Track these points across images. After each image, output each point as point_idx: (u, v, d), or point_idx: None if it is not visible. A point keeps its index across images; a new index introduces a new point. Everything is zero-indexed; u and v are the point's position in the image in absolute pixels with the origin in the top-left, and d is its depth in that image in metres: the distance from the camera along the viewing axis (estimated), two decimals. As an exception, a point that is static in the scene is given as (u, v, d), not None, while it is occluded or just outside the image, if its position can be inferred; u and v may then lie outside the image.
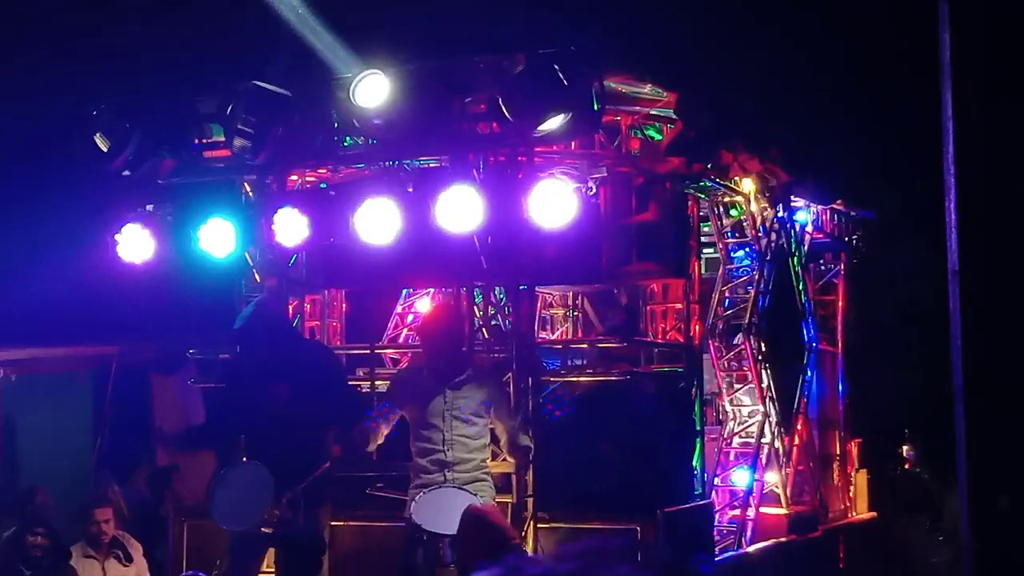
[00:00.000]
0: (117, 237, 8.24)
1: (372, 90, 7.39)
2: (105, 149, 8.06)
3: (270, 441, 7.22)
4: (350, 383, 7.88)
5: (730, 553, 8.53)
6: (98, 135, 8.07)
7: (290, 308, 8.81)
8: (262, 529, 7.00)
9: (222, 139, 7.86)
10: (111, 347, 11.11)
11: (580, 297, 9.96)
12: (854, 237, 10.74)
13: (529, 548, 7.12)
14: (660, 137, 8.41)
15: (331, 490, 7.34)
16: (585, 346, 8.88)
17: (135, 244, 8.26)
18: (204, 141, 8.08)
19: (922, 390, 10.47)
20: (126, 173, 8.15)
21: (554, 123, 7.08)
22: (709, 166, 8.43)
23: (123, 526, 9.31)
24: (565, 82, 7.04)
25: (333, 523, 7.59)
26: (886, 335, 11.07)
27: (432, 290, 9.95)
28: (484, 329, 8.06)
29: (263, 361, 7.41)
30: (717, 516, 8.65)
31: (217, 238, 8.03)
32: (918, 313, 10.64)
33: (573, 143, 7.70)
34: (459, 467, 7.19)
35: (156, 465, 10.26)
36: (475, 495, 6.87)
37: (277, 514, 6.92)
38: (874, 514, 10.45)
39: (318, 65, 7.74)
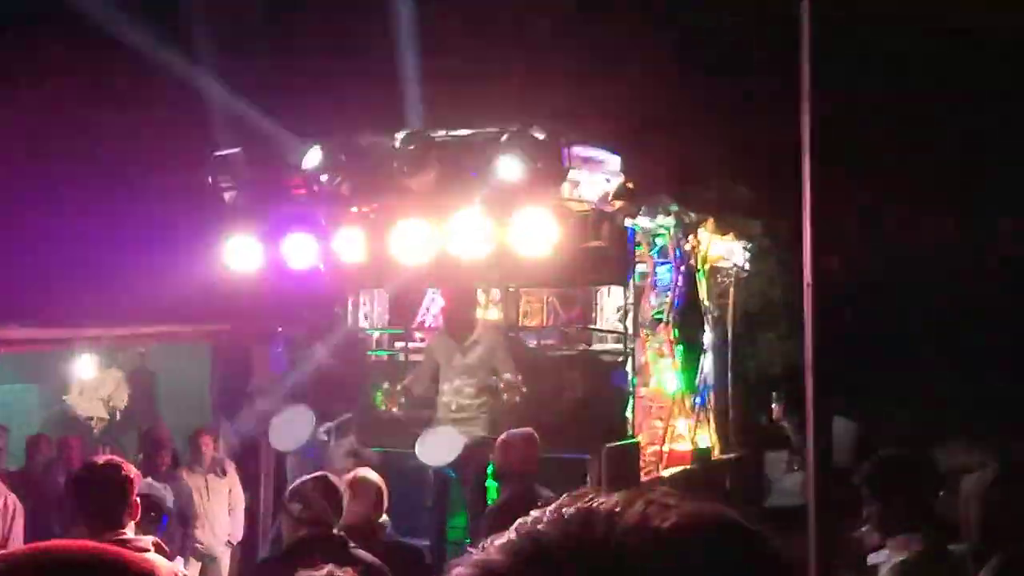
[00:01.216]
0: (226, 246, 8.23)
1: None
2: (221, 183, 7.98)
3: (316, 393, 7.24)
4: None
5: (650, 476, 8.57)
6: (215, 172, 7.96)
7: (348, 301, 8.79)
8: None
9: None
10: (224, 325, 11.10)
11: (550, 296, 9.99)
12: (742, 257, 10.79)
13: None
14: (609, 187, 8.44)
15: (354, 426, 7.32)
16: (555, 330, 8.88)
17: (242, 252, 8.25)
18: (293, 181, 8.06)
19: (786, 367, 10.49)
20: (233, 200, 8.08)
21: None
22: (642, 208, 8.47)
23: (227, 451, 9.30)
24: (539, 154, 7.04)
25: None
26: (760, 326, 11.11)
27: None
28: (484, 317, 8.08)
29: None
30: (642, 451, 8.69)
31: (297, 250, 8.04)
32: (784, 312, 10.66)
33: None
34: (460, 412, 7.18)
35: (255, 408, 10.23)
36: (461, 436, 6.82)
37: (318, 435, 6.95)
38: (750, 451, 10.49)
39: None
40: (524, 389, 7.22)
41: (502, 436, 6.28)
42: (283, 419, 7.15)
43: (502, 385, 7.15)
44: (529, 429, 6.31)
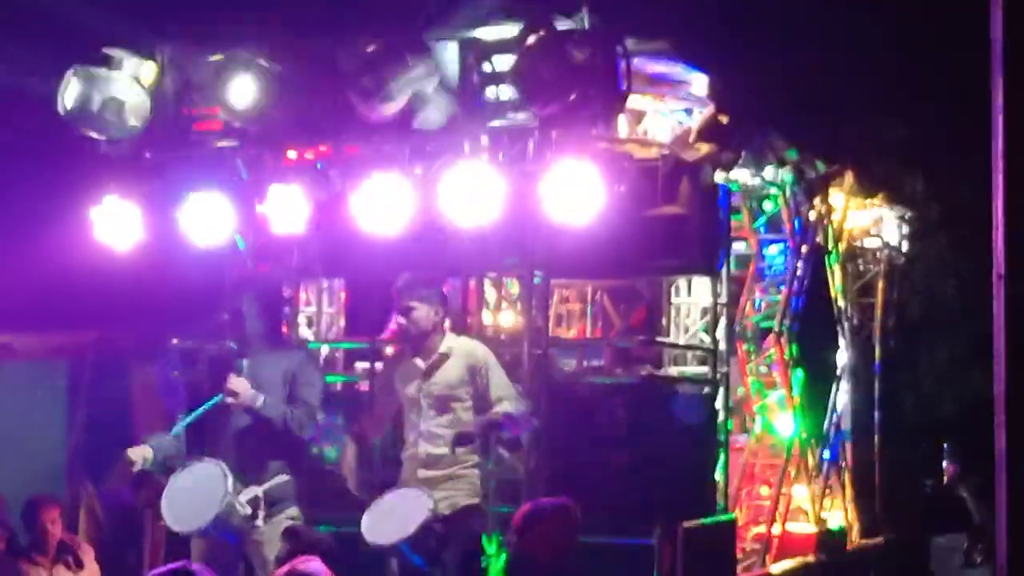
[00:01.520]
0: (95, 216, 8.35)
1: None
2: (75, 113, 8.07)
3: (235, 441, 7.37)
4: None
5: (753, 573, 8.67)
6: (69, 95, 8.06)
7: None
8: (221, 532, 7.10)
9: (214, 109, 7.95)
10: (88, 334, 11.23)
11: (599, 292, 10.06)
12: (898, 234, 10.86)
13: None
14: (690, 122, 8.52)
15: (295, 492, 7.43)
16: (603, 344, 8.99)
17: (115, 224, 8.35)
18: (193, 112, 8.18)
19: (963, 400, 10.57)
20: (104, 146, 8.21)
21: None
22: (743, 155, 8.54)
23: (88, 530, 9.43)
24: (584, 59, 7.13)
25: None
26: (926, 340, 11.17)
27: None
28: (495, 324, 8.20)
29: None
30: (740, 532, 8.77)
31: (204, 219, 8.15)
32: (960, 318, 10.74)
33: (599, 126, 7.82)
34: (434, 463, 7.30)
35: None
36: (428, 494, 6.93)
37: (236, 510, 7.04)
38: (908, 534, 10.56)
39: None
40: (538, 427, 7.35)
41: (523, 507, 6.39)
42: (181, 482, 7.23)
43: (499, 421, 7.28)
44: (564, 500, 6.42)
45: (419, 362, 7.40)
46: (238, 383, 7.29)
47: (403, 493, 7.08)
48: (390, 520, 6.88)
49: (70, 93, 7.86)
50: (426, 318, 7.39)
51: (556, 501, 6.44)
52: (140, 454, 7.36)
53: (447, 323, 7.53)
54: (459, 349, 7.42)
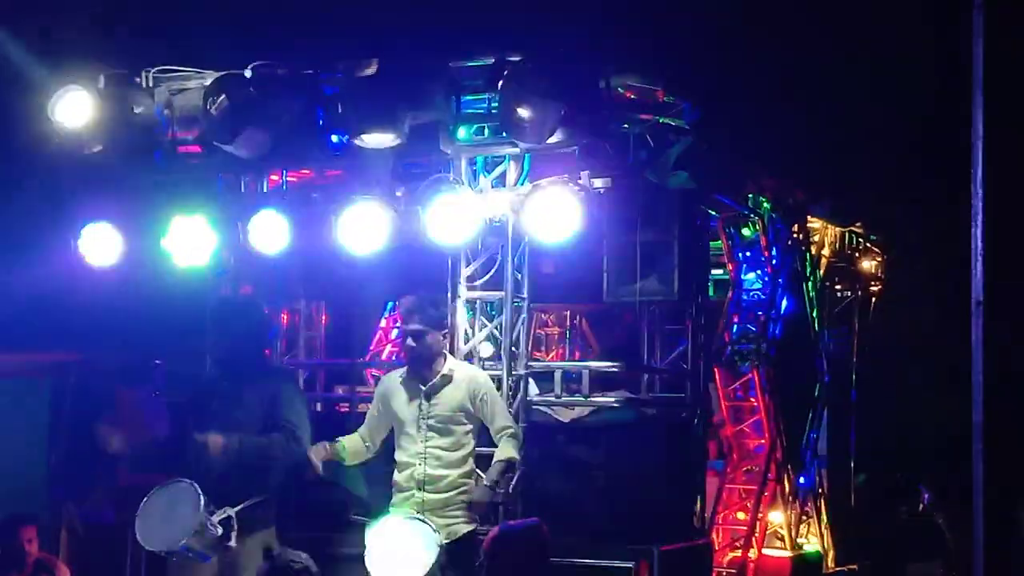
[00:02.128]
0: (80, 237, 8.28)
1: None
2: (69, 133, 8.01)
3: (216, 461, 7.28)
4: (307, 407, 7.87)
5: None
6: (61, 114, 8.00)
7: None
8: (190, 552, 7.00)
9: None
10: (71, 354, 11.13)
11: (578, 316, 10.00)
12: (872, 263, 10.82)
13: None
14: (671, 148, 8.47)
15: (272, 514, 7.34)
16: (582, 369, 8.89)
17: (100, 245, 8.29)
18: (177, 135, 8.10)
19: (939, 428, 10.52)
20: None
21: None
22: (722, 182, 8.49)
23: (66, 550, 9.31)
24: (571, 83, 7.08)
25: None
26: (903, 367, 11.14)
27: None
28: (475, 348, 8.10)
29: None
30: (716, 556, 8.68)
31: (189, 241, 8.08)
32: (937, 345, 10.70)
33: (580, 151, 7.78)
34: (432, 485, 7.20)
35: (117, 484, 10.26)
36: (432, 527, 6.83)
37: (208, 530, 6.94)
38: (883, 561, 10.50)
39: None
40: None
41: (492, 531, 6.29)
42: (157, 502, 7.16)
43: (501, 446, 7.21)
44: (533, 520, 6.33)
45: (420, 384, 7.29)
46: (211, 440, 7.20)
47: (411, 528, 6.93)
48: (396, 554, 6.77)
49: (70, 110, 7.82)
50: (436, 342, 7.28)
51: (525, 522, 6.35)
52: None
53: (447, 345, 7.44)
54: (461, 373, 7.33)
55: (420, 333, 7.26)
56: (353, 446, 7.45)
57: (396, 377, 7.47)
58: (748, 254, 9.35)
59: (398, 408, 7.35)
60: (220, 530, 6.99)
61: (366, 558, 6.85)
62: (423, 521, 6.92)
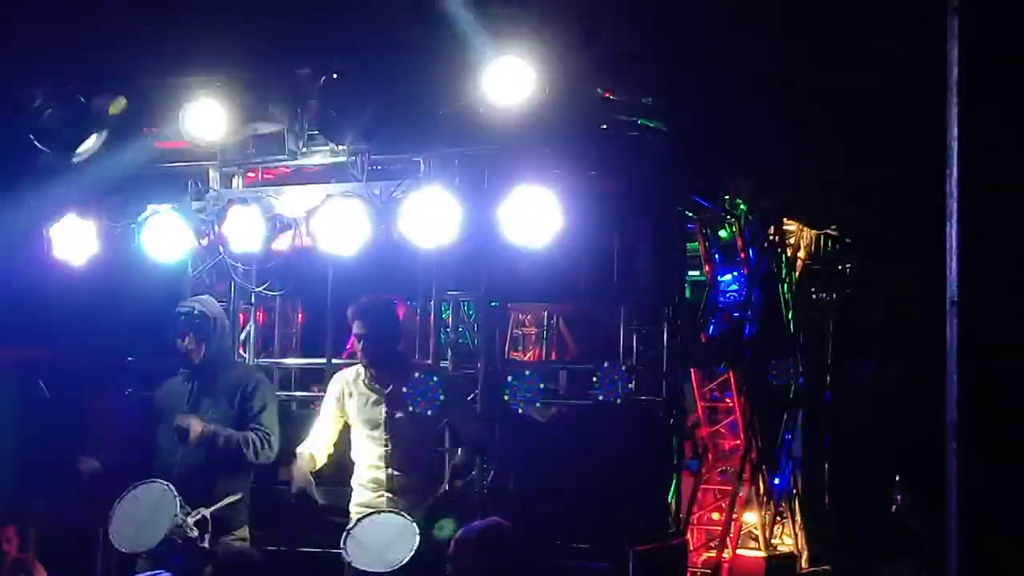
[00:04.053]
0: (52, 233, 8.27)
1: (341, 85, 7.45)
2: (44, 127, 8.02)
3: (187, 461, 7.28)
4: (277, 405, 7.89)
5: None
6: (36, 109, 8.02)
7: (241, 317, 8.84)
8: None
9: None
10: (41, 351, 11.08)
11: (555, 316, 10.04)
12: (846, 265, 10.89)
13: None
14: (648, 150, 8.52)
15: (245, 514, 7.41)
16: (559, 368, 8.94)
17: (72, 241, 8.28)
18: (154, 130, 8.12)
19: (912, 428, 10.58)
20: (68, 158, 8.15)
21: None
22: (699, 183, 8.56)
23: (44, 549, 9.28)
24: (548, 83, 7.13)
25: (268, 548, 7.67)
26: (877, 368, 11.21)
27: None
28: (451, 347, 8.14)
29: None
30: (691, 556, 8.74)
31: (163, 237, 8.07)
32: (911, 346, 10.77)
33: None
34: (399, 484, 7.24)
35: (86, 482, 10.23)
36: (415, 522, 6.85)
37: (180, 530, 6.93)
38: (857, 562, 10.56)
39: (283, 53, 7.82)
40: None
41: (457, 534, 6.34)
42: (130, 502, 7.14)
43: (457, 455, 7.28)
44: (494, 520, 6.40)
45: (379, 387, 7.32)
46: (192, 423, 7.22)
47: (386, 520, 6.96)
48: (375, 548, 6.78)
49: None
50: (384, 342, 7.32)
51: (485, 523, 6.39)
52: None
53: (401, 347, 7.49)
54: (419, 368, 7.37)
55: (364, 334, 7.29)
56: (321, 456, 7.48)
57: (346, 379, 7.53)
58: (724, 255, 9.42)
59: (357, 411, 7.40)
60: (196, 531, 6.99)
61: (346, 547, 6.86)
62: (398, 513, 6.95)
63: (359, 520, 6.97)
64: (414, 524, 6.77)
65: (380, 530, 6.90)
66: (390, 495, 7.21)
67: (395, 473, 7.24)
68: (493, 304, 8.14)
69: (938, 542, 9.12)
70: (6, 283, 10.14)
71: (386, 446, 7.26)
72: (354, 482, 7.37)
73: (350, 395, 7.45)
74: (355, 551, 6.83)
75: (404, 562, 6.68)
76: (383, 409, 7.31)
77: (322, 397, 8.63)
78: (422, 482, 7.28)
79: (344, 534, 6.89)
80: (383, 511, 7.05)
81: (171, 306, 8.13)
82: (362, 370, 7.45)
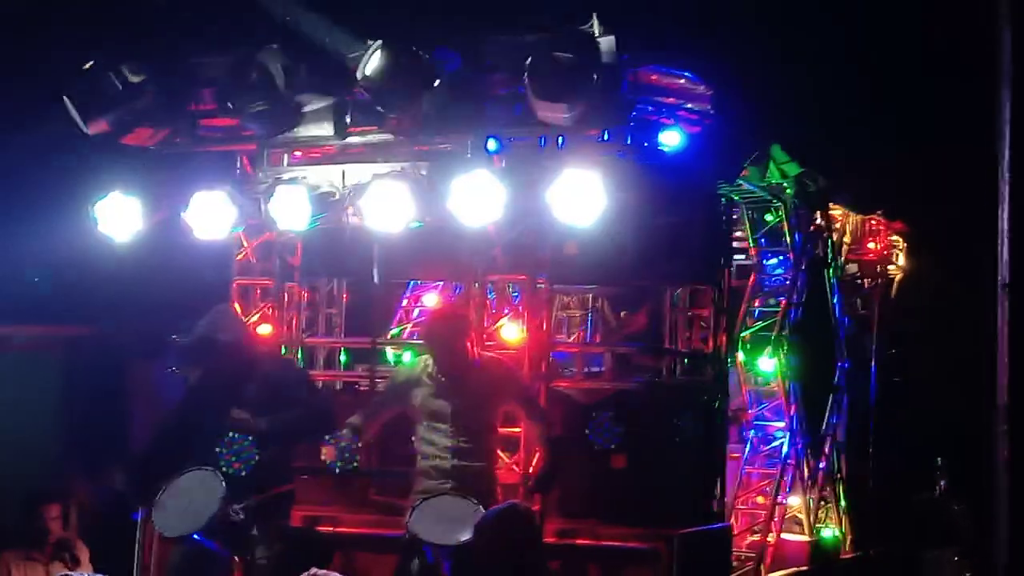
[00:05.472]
0: (98, 210, 8.32)
1: (383, 65, 7.48)
2: (90, 107, 8.08)
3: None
4: (317, 396, 7.93)
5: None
6: (84, 91, 8.08)
7: (285, 297, 8.92)
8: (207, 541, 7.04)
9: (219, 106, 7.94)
10: (86, 328, 11.21)
11: (600, 299, 10.09)
12: (893, 249, 10.90)
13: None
14: (695, 133, 8.56)
15: (291, 505, 7.48)
16: (604, 351, 8.99)
17: (118, 218, 8.30)
18: (200, 108, 8.19)
19: (958, 413, 10.61)
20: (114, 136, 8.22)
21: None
22: (746, 167, 8.58)
23: (85, 527, 9.40)
24: (594, 64, 7.16)
25: (323, 529, 7.79)
26: (923, 352, 11.22)
27: (440, 284, 10.11)
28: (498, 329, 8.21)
29: (223, 385, 7.50)
30: (735, 540, 8.75)
31: (208, 215, 8.07)
32: (959, 330, 10.80)
33: (605, 134, 7.85)
34: (461, 475, 7.33)
35: (131, 460, 10.33)
36: (478, 505, 6.98)
37: (228, 516, 6.95)
38: (899, 545, 10.59)
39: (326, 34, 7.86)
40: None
41: (478, 519, 6.46)
42: (176, 488, 7.17)
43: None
44: (510, 503, 6.51)
45: (445, 380, 7.42)
46: (243, 418, 7.29)
47: (454, 501, 7.08)
48: (442, 523, 6.90)
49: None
50: (451, 352, 7.41)
51: (501, 506, 6.52)
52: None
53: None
54: (485, 363, 7.46)
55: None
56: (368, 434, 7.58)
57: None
58: (770, 240, 9.45)
59: (420, 399, 7.48)
60: (242, 517, 7.02)
61: (412, 523, 6.97)
62: (465, 498, 7.05)
63: (427, 498, 7.11)
64: (480, 507, 6.87)
65: (448, 508, 7.02)
66: (454, 484, 7.29)
67: (459, 463, 7.33)
68: (538, 286, 8.19)
69: (980, 527, 9.19)
70: (53, 260, 10.31)
71: (450, 437, 7.35)
72: (417, 471, 7.46)
73: (417, 385, 7.51)
74: (422, 524, 6.95)
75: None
76: (448, 401, 7.39)
77: (366, 377, 8.77)
78: (485, 472, 7.37)
79: (411, 510, 7.02)
80: (450, 494, 7.17)
81: (216, 285, 8.22)
82: (430, 361, 7.53)
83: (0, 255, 10.66)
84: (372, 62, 7.33)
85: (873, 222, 10.63)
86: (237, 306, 8.69)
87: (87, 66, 8.02)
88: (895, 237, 10.94)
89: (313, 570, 5.62)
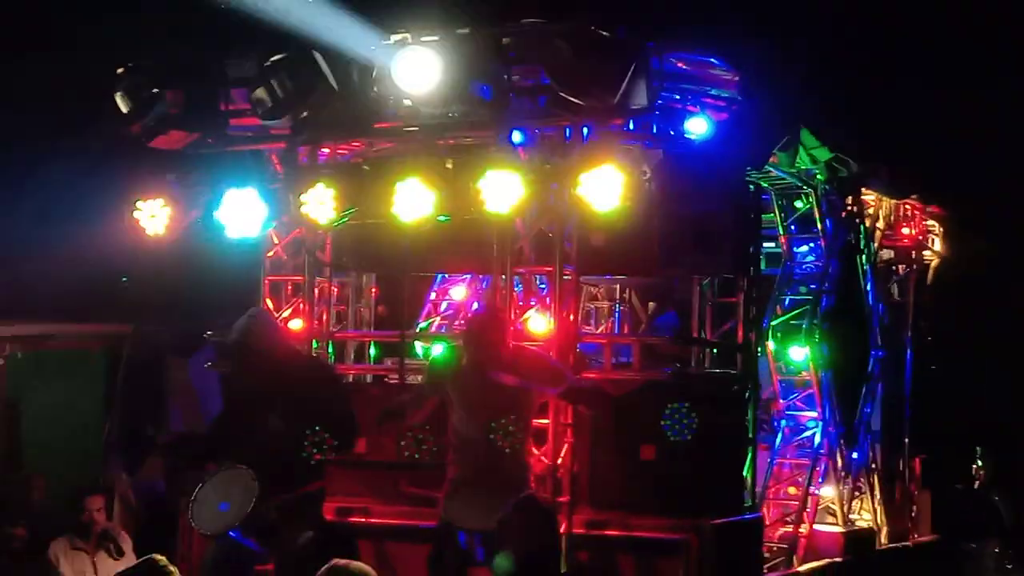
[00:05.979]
0: (135, 210, 8.40)
1: (413, 61, 7.51)
2: (126, 111, 8.22)
3: (264, 452, 7.36)
4: (350, 396, 7.94)
5: (780, 572, 8.66)
6: (120, 95, 8.22)
7: (316, 292, 8.97)
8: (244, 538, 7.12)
9: (249, 106, 8.01)
10: (125, 326, 11.34)
11: (627, 290, 10.07)
12: (928, 235, 10.81)
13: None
14: (722, 120, 8.52)
15: (320, 504, 7.51)
16: (633, 342, 8.98)
17: (155, 217, 8.39)
18: (231, 108, 8.25)
19: (997, 401, 10.51)
20: (145, 140, 8.31)
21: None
22: (775, 153, 8.53)
23: (129, 519, 9.53)
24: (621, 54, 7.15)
25: (354, 520, 7.83)
26: (960, 341, 11.12)
27: (468, 277, 10.12)
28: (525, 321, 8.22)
29: (256, 386, 7.51)
30: (767, 531, 8.74)
31: (241, 213, 8.16)
32: (997, 316, 10.69)
33: (631, 123, 7.84)
34: (495, 464, 7.36)
35: (170, 456, 10.45)
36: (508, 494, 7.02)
37: (262, 514, 7.05)
38: (937, 536, 10.51)
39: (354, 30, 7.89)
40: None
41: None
42: (211, 485, 7.27)
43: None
44: (529, 493, 6.51)
45: (480, 372, 7.44)
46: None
47: (489, 490, 7.13)
48: (481, 509, 6.99)
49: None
50: (486, 346, 7.44)
51: (522, 496, 6.58)
52: None
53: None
54: (519, 355, 7.50)
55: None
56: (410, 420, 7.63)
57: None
58: (800, 227, 9.39)
59: (462, 390, 7.49)
60: (275, 515, 7.12)
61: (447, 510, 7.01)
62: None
63: (460, 486, 7.15)
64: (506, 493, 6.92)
65: (484, 494, 7.08)
66: (486, 474, 7.32)
67: (492, 453, 7.35)
68: (565, 276, 8.18)
69: (1021, 518, 9.08)
70: (93, 259, 10.43)
71: (483, 429, 7.37)
72: (451, 460, 7.48)
73: (452, 377, 7.54)
74: (459, 511, 7.04)
75: None
76: (482, 393, 7.40)
77: (395, 370, 8.82)
78: (517, 462, 7.38)
79: (445, 498, 7.11)
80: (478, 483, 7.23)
81: (249, 282, 8.28)
82: (465, 353, 7.56)
83: (38, 252, 10.81)
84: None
85: (907, 207, 10.51)
86: (269, 302, 8.78)
87: (121, 70, 8.16)
88: (930, 222, 10.83)
89: (335, 560, 5.64)
